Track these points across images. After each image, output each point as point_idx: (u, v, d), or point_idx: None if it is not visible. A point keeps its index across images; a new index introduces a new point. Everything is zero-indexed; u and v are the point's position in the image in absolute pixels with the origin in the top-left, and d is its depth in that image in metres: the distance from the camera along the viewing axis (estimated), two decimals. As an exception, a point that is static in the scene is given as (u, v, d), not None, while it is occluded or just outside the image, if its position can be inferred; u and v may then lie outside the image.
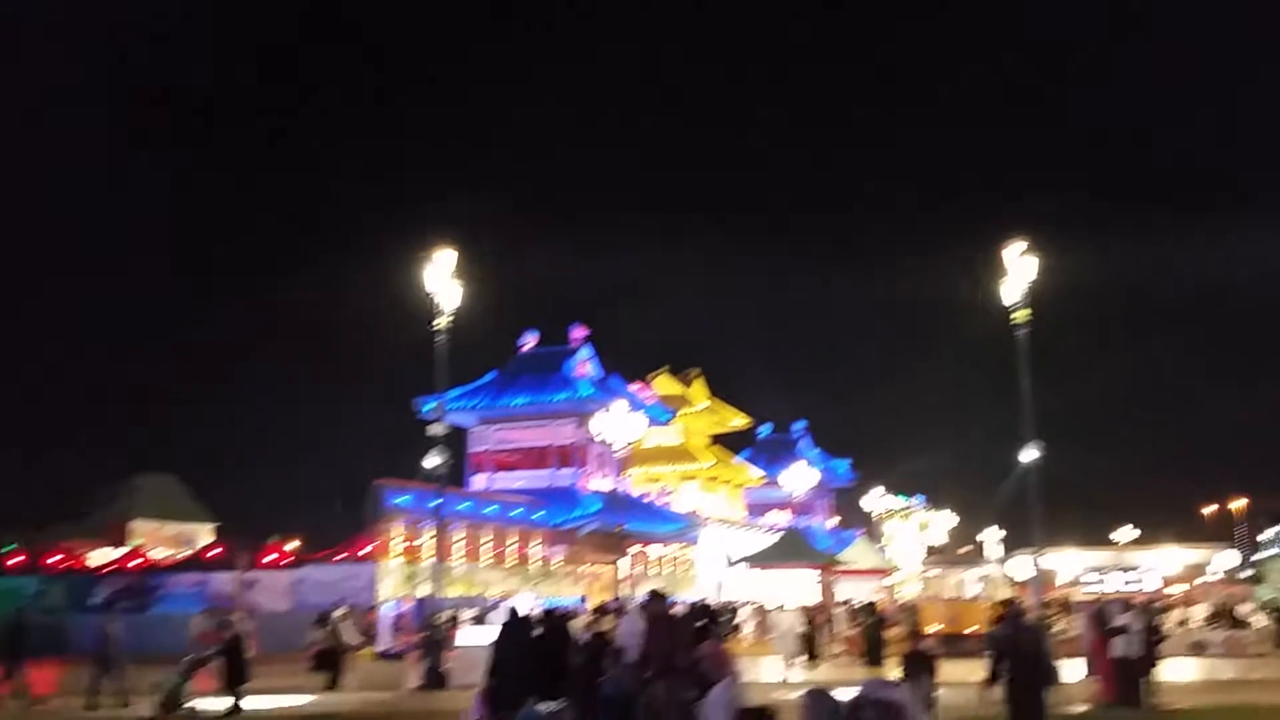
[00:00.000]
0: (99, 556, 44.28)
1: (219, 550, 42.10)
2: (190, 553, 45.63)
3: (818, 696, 5.68)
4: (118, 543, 53.05)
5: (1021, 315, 23.78)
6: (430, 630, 23.39)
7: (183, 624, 25.34)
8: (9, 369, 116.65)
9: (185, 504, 66.91)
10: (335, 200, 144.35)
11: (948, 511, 76.78)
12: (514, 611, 15.49)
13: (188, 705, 17.21)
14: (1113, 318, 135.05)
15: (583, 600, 36.43)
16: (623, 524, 40.17)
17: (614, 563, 40.35)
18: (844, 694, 5.77)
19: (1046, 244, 24.56)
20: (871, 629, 26.49)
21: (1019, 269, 23.61)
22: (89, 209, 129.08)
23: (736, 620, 35.76)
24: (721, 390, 68.00)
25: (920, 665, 11.49)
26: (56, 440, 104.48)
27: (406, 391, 49.69)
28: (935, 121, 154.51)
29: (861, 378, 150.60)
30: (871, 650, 25.71)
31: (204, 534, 62.95)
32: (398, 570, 37.77)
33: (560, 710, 10.69)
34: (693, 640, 13.43)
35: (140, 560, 42.41)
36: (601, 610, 29.38)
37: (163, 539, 58.36)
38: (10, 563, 42.12)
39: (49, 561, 41.89)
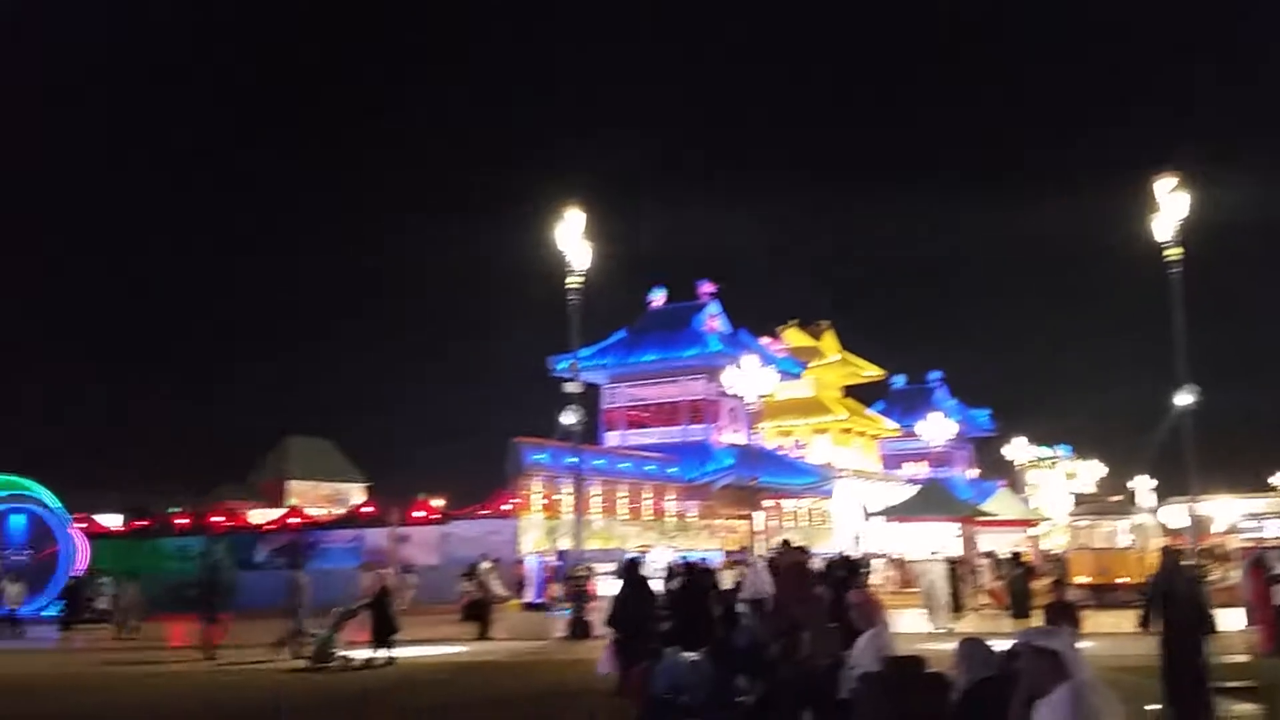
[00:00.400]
0: (259, 515, 46.72)
1: (371, 508, 43.85)
2: (344, 511, 47.69)
3: (973, 645, 5.66)
4: (276, 502, 55.98)
5: (1174, 253, 22.78)
6: (573, 582, 24.01)
7: (339, 578, 26.59)
8: (171, 343, 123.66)
9: (338, 464, 70.09)
10: (469, 161, 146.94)
11: (1094, 461, 74.40)
12: (633, 563, 15.77)
13: (339, 655, 18.16)
14: (1270, 253, 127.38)
15: (723, 554, 36.78)
16: (756, 477, 40.23)
17: (749, 516, 40.49)
18: (998, 643, 5.74)
19: (1200, 177, 23.42)
20: (1018, 580, 25.92)
21: (1171, 205, 22.57)
22: (227, 173, 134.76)
23: (869, 573, 35.49)
24: (853, 342, 67.18)
25: (1063, 616, 11.27)
26: (217, 407, 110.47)
27: (540, 350, 50.55)
28: (1078, 50, 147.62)
29: (1000, 324, 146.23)
30: (1017, 602, 25.19)
31: (356, 493, 65.85)
32: (538, 525, 38.76)
33: (699, 660, 10.86)
34: (833, 591, 13.48)
35: (298, 518, 44.52)
36: (731, 563, 29.74)
37: (317, 498, 61.35)
38: (178, 523, 44.78)
39: (213, 521, 44.33)
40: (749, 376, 39.18)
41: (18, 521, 36.58)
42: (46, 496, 37.16)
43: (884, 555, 40.25)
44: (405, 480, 58.80)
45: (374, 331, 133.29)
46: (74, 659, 22.51)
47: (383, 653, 18.46)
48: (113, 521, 47.47)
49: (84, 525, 40.65)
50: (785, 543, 15.44)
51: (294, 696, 15.28)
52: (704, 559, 25.03)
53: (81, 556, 37.09)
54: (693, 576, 16.13)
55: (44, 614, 33.11)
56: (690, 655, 11.12)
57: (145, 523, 46.31)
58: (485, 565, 26.43)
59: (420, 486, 44.97)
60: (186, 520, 44.78)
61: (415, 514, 40.02)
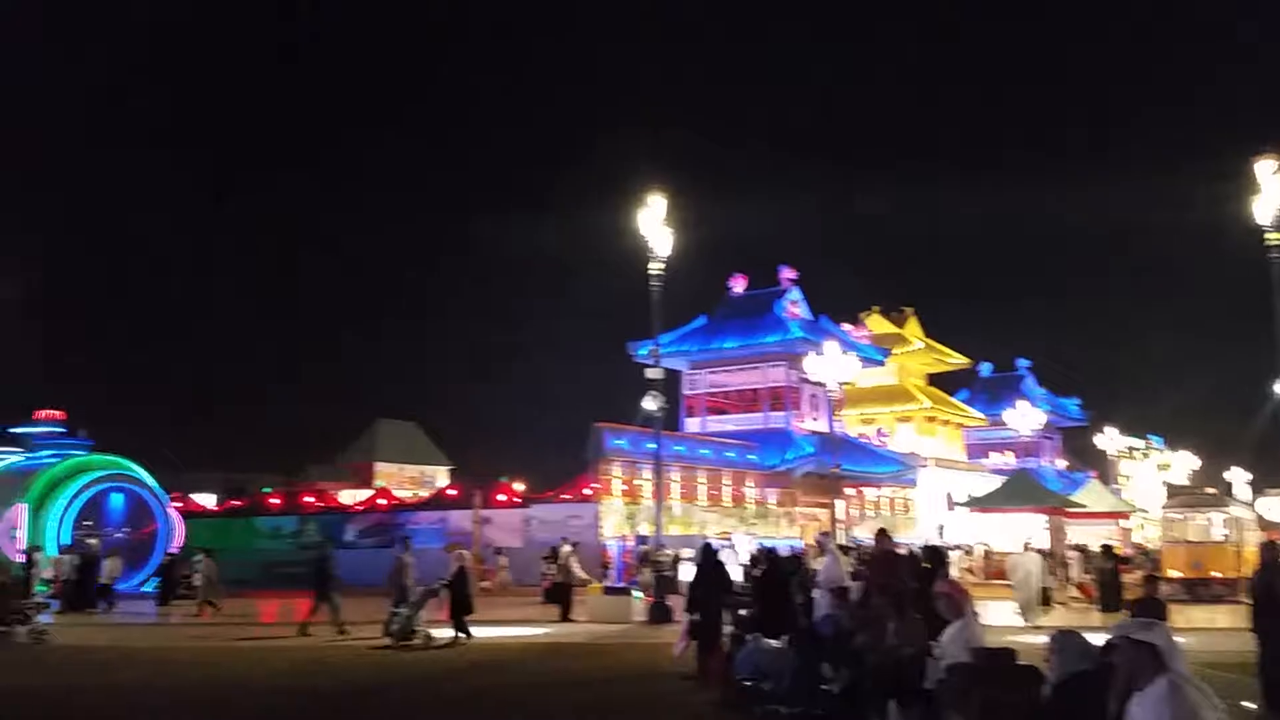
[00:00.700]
0: (348, 496, 47.80)
1: (455, 491, 44.54)
2: (429, 493, 48.52)
3: (1067, 637, 5.55)
4: (365, 484, 57.20)
5: (1275, 237, 21.99)
6: (654, 566, 24.10)
7: (426, 558, 27.02)
8: (264, 333, 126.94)
9: (424, 447, 71.36)
10: (551, 149, 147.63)
11: (1187, 452, 72.22)
12: (709, 548, 15.76)
13: (423, 633, 18.56)
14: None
15: (815, 537, 36.57)
16: (838, 465, 39.85)
17: (830, 504, 40.18)
18: (1093, 636, 5.63)
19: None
20: (1108, 574, 25.39)
21: (1271, 187, 21.77)
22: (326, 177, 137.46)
23: (948, 562, 34.91)
24: (938, 329, 66.14)
25: (1151, 612, 11.00)
26: (308, 390, 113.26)
27: (620, 336, 50.74)
28: (1170, 27, 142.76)
29: (1091, 312, 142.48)
30: (1108, 595, 24.68)
31: (441, 475, 66.99)
32: (618, 509, 38.99)
33: (782, 647, 10.85)
34: (921, 580, 13.34)
35: (386, 500, 45.43)
36: (819, 549, 29.54)
37: (403, 480, 62.59)
38: (270, 503, 46.01)
39: (305, 501, 45.44)
40: (830, 363, 38.78)
41: (117, 500, 38.03)
42: (145, 476, 38.50)
43: (962, 546, 39.61)
44: (488, 464, 59.70)
45: (457, 322, 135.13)
46: (169, 633, 23.30)
47: (455, 631, 18.83)
48: (207, 501, 49.02)
49: (180, 505, 42.02)
50: (881, 531, 15.31)
51: (380, 673, 15.67)
52: (791, 546, 24.88)
53: (178, 535, 38.38)
54: (774, 563, 16.10)
55: (142, 589, 34.38)
56: (773, 642, 11.12)
57: (239, 503, 47.69)
58: (567, 549, 26.67)
59: (502, 470, 45.58)
60: (279, 500, 45.96)
61: (497, 497, 40.56)
